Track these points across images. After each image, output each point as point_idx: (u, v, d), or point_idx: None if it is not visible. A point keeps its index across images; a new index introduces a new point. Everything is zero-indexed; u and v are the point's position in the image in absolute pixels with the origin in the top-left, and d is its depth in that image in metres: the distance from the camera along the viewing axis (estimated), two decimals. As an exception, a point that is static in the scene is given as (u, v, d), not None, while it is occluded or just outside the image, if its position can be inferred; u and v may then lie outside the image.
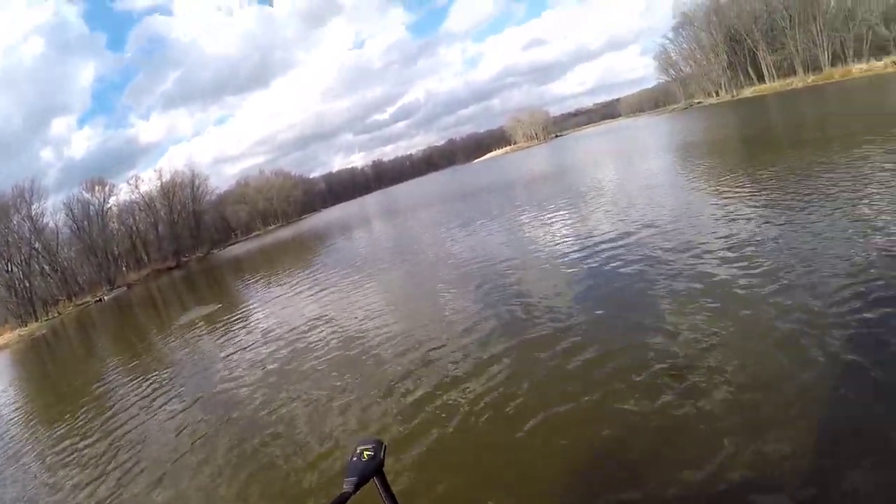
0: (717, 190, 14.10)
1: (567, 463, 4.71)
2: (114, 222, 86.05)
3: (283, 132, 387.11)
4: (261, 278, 27.87)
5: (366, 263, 20.53)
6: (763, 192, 12.30)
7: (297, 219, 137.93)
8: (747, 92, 76.78)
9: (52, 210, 75.33)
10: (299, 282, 20.84)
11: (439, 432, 5.87)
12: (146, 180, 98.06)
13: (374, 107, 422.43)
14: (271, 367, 10.40)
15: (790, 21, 68.08)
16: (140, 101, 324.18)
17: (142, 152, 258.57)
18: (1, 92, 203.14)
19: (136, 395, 11.86)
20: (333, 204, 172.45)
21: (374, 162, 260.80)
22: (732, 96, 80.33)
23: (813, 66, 65.92)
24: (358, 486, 1.67)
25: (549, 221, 16.62)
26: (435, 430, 5.95)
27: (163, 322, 24.40)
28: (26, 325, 55.48)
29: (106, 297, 62.77)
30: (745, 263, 7.98)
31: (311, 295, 16.73)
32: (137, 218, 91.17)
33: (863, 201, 9.42)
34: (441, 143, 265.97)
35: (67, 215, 77.35)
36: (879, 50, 57.05)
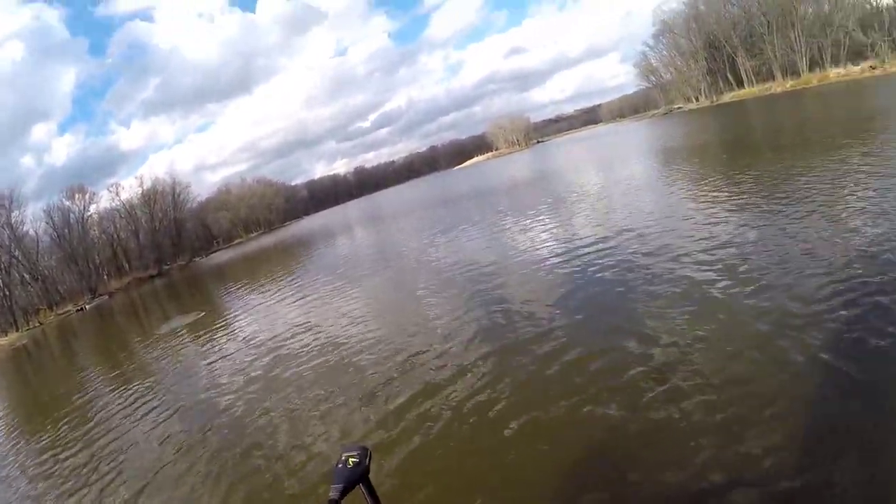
0: (697, 194, 14.24)
1: (549, 466, 4.73)
2: (94, 230, 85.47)
3: (266, 139, 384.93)
4: (243, 286, 27.75)
5: (348, 270, 20.54)
6: (742, 196, 12.41)
7: (280, 226, 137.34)
8: (727, 97, 77.39)
9: (32, 218, 74.83)
10: (282, 289, 20.76)
11: (422, 438, 5.88)
12: (127, 188, 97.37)
13: (357, 114, 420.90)
14: (254, 375, 10.36)
15: (768, 27, 68.69)
16: (121, 107, 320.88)
17: (123, 159, 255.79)
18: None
19: (118, 404, 11.76)
20: (316, 211, 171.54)
21: (356, 169, 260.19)
22: (712, 102, 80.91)
23: (791, 72, 66.50)
24: (344, 492, 1.68)
25: (530, 227, 16.68)
26: (417, 436, 5.95)
27: (145, 331, 24.21)
28: (7, 335, 54.91)
29: (87, 306, 62.26)
30: (724, 266, 8.06)
31: (294, 302, 16.69)
32: (118, 226, 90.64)
33: (840, 203, 9.57)
34: (423, 149, 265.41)
35: (48, 223, 76.74)
36: (856, 55, 57.60)
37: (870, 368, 4.62)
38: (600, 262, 10.36)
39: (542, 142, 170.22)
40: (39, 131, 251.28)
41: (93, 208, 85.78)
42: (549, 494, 4.45)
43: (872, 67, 50.55)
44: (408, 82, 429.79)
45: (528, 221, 17.82)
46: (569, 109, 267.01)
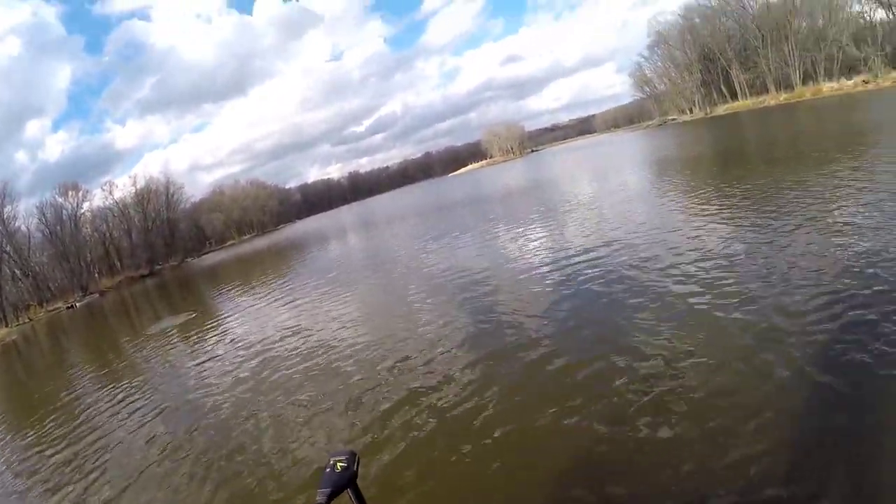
0: (687, 206, 14.31)
1: (533, 476, 4.75)
2: (87, 228, 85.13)
3: (260, 141, 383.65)
4: (235, 288, 27.72)
5: (340, 274, 20.56)
6: (732, 208, 12.48)
7: (273, 229, 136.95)
8: (721, 109, 77.68)
9: (25, 214, 74.48)
10: (274, 292, 20.76)
11: (407, 444, 5.90)
12: (120, 186, 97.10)
13: (352, 118, 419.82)
14: (243, 376, 10.36)
15: (763, 41, 69.06)
16: (116, 106, 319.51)
17: (117, 158, 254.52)
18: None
19: (106, 403, 11.76)
20: (309, 215, 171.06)
21: (350, 173, 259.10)
22: (706, 113, 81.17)
23: (785, 85, 66.83)
24: (331, 496, 1.68)
25: (521, 235, 16.73)
26: (402, 442, 5.98)
27: (135, 330, 24.16)
28: (-4, 331, 54.74)
29: (78, 304, 62.06)
30: (712, 278, 8.10)
31: (285, 305, 16.71)
32: (111, 224, 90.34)
33: (829, 217, 9.64)
34: (418, 155, 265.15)
35: (40, 219, 76.42)
36: (850, 70, 57.94)
37: (856, 382, 4.65)
38: (589, 272, 10.40)
39: (537, 150, 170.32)
40: (33, 127, 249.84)
41: (86, 206, 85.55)
42: (535, 500, 4.48)
43: (865, 82, 50.86)
44: (403, 88, 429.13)
45: (520, 230, 17.88)
46: (564, 118, 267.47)
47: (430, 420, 6.31)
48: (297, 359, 10.38)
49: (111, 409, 11.10)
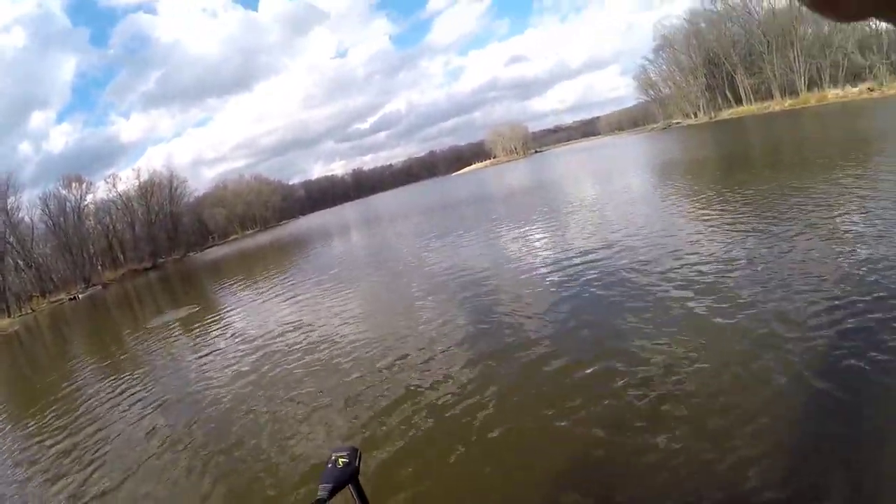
0: (691, 209, 14.30)
1: (529, 476, 4.77)
2: (90, 220, 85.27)
3: (264, 137, 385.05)
4: (237, 282, 27.77)
5: (343, 271, 20.62)
6: (736, 213, 12.47)
7: (276, 224, 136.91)
8: (725, 114, 77.54)
9: (28, 205, 74.59)
10: (276, 287, 20.80)
11: (405, 442, 5.93)
12: (124, 179, 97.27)
13: (356, 116, 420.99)
14: (243, 371, 10.40)
15: (768, 46, 68.98)
16: (121, 98, 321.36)
17: (121, 151, 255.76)
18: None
19: (106, 394, 11.81)
20: (312, 211, 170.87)
21: (354, 171, 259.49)
22: (710, 118, 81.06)
23: (790, 91, 66.70)
24: (333, 492, 1.68)
25: (524, 235, 16.78)
26: (401, 439, 6.00)
27: (137, 323, 24.21)
28: (-2, 321, 54.83)
29: (80, 296, 62.16)
30: (714, 282, 8.11)
31: (287, 300, 16.75)
32: (114, 217, 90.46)
33: (832, 224, 9.64)
34: (422, 154, 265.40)
35: (43, 211, 76.62)
36: (855, 77, 57.88)
37: (854, 389, 4.66)
38: (590, 274, 10.41)
39: (540, 151, 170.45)
40: (38, 118, 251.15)
41: (89, 198, 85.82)
42: (531, 501, 4.51)
43: (870, 89, 50.78)
44: (408, 86, 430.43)
45: (522, 230, 17.93)
46: (568, 120, 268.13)
47: (429, 418, 6.34)
48: (298, 354, 10.41)
49: (112, 401, 11.14)
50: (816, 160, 17.86)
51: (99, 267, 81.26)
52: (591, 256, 11.69)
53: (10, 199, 69.57)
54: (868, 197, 10.97)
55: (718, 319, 6.78)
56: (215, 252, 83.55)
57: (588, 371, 6.35)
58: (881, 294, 6.28)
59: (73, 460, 8.35)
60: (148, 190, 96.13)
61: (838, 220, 9.86)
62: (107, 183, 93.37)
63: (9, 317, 56.56)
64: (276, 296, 18.43)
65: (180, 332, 17.40)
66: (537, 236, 16.04)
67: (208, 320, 17.64)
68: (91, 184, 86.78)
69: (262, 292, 20.56)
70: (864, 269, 7.16)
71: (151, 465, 7.35)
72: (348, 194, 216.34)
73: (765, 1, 70.00)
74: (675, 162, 30.01)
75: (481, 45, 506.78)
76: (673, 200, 16.65)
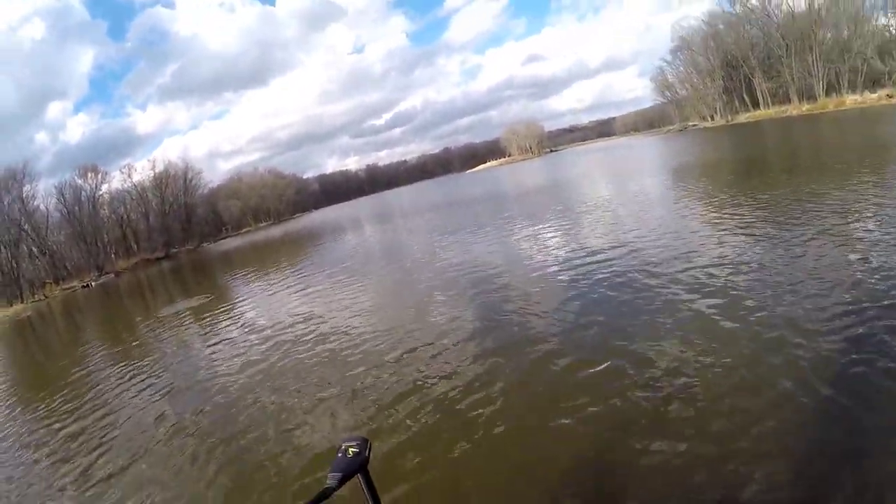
0: (706, 212, 14.24)
1: (532, 473, 4.77)
2: (105, 209, 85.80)
3: (279, 131, 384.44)
4: (250, 273, 27.88)
5: (355, 264, 20.65)
6: (750, 216, 12.38)
7: (289, 218, 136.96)
8: (742, 117, 76.92)
9: (44, 193, 75.42)
10: (288, 279, 20.88)
11: (410, 435, 5.96)
12: (139, 170, 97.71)
13: (371, 112, 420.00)
14: (253, 360, 10.45)
15: (786, 50, 68.39)
16: (138, 91, 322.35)
17: (137, 142, 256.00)
18: (0, 72, 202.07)
19: (116, 380, 11.91)
20: (326, 205, 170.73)
21: (368, 166, 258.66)
22: (727, 121, 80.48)
23: (808, 95, 66.11)
24: (342, 481, 1.68)
25: (537, 234, 16.76)
26: (406, 432, 6.03)
27: (149, 311, 24.31)
28: (12, 306, 55.34)
29: (93, 283, 62.64)
30: (726, 285, 8.06)
31: (299, 292, 16.82)
32: (129, 207, 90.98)
33: (848, 231, 9.52)
34: (436, 151, 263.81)
35: (59, 199, 77.34)
36: (874, 83, 57.38)
37: (861, 395, 4.63)
38: (601, 273, 10.38)
39: (556, 150, 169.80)
40: (55, 109, 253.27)
41: (104, 188, 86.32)
42: (542, 495, 4.47)
43: (889, 96, 50.28)
44: (424, 83, 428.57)
45: (535, 228, 17.92)
46: (584, 120, 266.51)
47: (435, 412, 6.36)
48: (308, 345, 10.45)
49: (121, 387, 11.24)
50: (834, 166, 17.71)
51: (112, 256, 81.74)
52: (602, 256, 11.66)
53: (26, 188, 70.30)
54: (884, 205, 10.83)
55: (727, 322, 6.74)
56: (229, 243, 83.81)
57: (595, 370, 6.34)
58: (892, 302, 6.22)
59: (81, 444, 8.44)
60: (163, 181, 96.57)
61: (853, 226, 9.75)
62: (122, 173, 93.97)
63: (22, 302, 57.11)
64: (288, 287, 18.50)
65: (191, 321, 17.51)
66: (550, 235, 16.02)
67: (219, 310, 17.73)
68: (106, 174, 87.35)
69: (274, 284, 20.64)
70: (876, 276, 7.09)
71: (158, 451, 7.41)
72: (362, 189, 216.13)
73: (784, 4, 69.41)
74: (691, 164, 29.80)
75: (498, 44, 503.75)
76: (687, 202, 16.56)
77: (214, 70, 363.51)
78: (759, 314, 6.75)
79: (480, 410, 6.08)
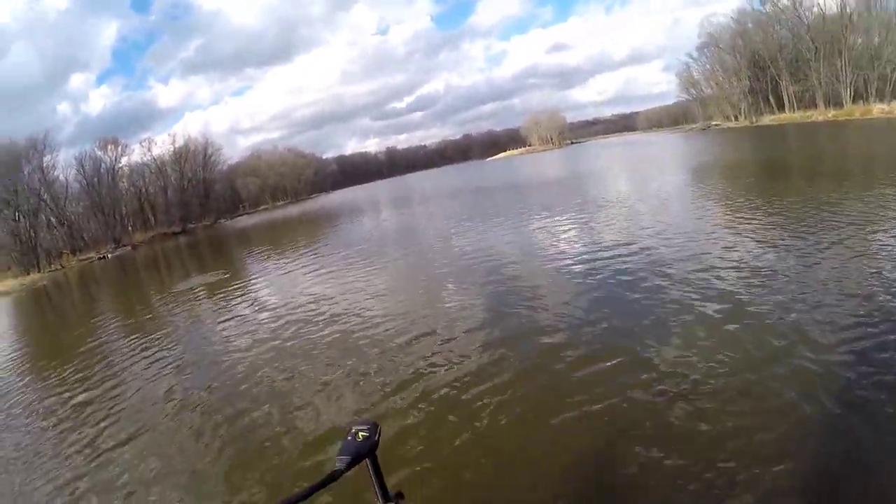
0: (724, 214, 14.16)
1: (533, 467, 4.77)
2: (124, 182, 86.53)
3: (300, 110, 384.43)
4: (266, 252, 28.05)
5: (371, 247, 20.75)
6: (768, 221, 12.31)
7: (307, 197, 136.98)
8: (766, 119, 76.00)
9: (64, 164, 75.91)
10: (303, 258, 21.09)
11: (414, 420, 6.00)
12: (159, 144, 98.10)
13: (393, 94, 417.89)
14: (264, 339, 10.52)
15: (815, 53, 67.44)
16: (160, 64, 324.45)
17: (158, 115, 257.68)
18: (23, 43, 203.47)
19: (128, 352, 12.05)
20: (344, 186, 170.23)
21: (388, 149, 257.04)
22: (751, 122, 79.70)
23: (834, 101, 65.31)
24: (351, 464, 1.68)
25: (554, 226, 16.75)
26: (410, 417, 6.07)
27: (164, 285, 24.56)
28: (28, 275, 55.86)
29: (110, 255, 63.20)
30: (750, 290, 7.97)
31: (314, 273, 16.93)
32: (147, 180, 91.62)
33: (866, 243, 9.40)
34: (457, 137, 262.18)
35: (78, 170, 78.10)
36: (903, 92, 56.73)
37: (866, 410, 4.58)
38: (614, 271, 10.33)
39: (577, 143, 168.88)
40: (78, 80, 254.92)
41: (124, 160, 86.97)
42: (542, 489, 4.48)
43: (918, 108, 49.74)
44: (447, 67, 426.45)
45: (552, 220, 17.88)
46: (607, 113, 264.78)
47: (441, 400, 6.38)
48: (319, 326, 10.51)
49: (132, 359, 11.36)
50: (856, 176, 17.55)
51: (129, 228, 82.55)
52: (615, 253, 11.62)
53: (46, 158, 70.92)
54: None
55: (735, 328, 6.70)
56: (245, 221, 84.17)
57: (600, 368, 6.33)
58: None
59: (90, 414, 8.55)
60: (182, 155, 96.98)
61: (870, 239, 9.62)
62: (142, 146, 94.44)
63: (39, 272, 57.68)
64: (302, 267, 18.65)
65: (205, 296, 17.63)
66: (566, 228, 15.99)
67: (234, 287, 17.88)
68: (126, 146, 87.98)
69: (289, 263, 20.83)
70: (890, 291, 6.97)
71: (164, 425, 7.49)
72: (381, 172, 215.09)
73: (815, 6, 68.50)
74: (711, 164, 29.58)
75: (523, 31, 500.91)
76: (704, 203, 16.46)
77: (238, 46, 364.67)
78: (768, 321, 6.71)
79: (485, 401, 6.09)
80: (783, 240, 10.43)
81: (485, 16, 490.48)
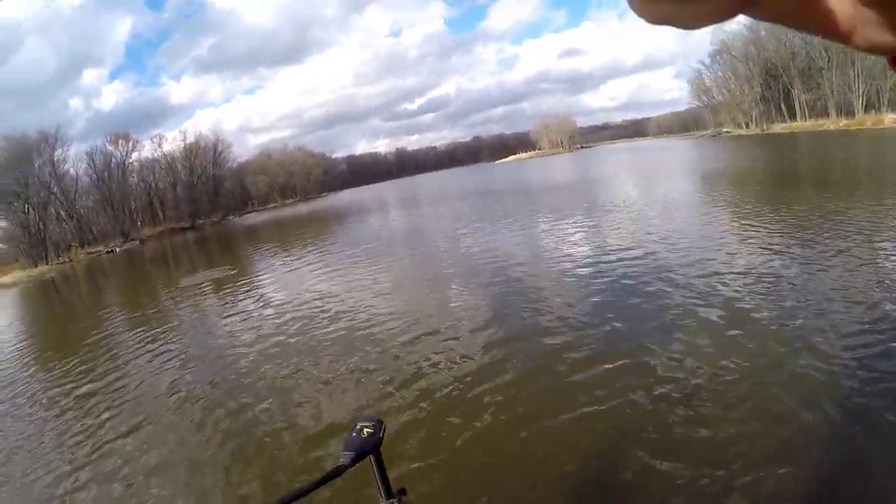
0: (731, 221, 14.10)
1: (534, 468, 4.76)
2: (133, 177, 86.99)
3: (311, 110, 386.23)
4: (273, 249, 28.14)
5: (379, 246, 20.79)
6: (775, 229, 12.24)
7: (317, 196, 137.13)
8: (777, 127, 75.85)
9: (75, 158, 76.60)
10: (311, 256, 21.08)
11: (415, 418, 6.01)
12: (170, 140, 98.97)
13: (405, 96, 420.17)
14: (269, 335, 10.53)
15: (828, 62, 67.37)
16: (173, 62, 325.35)
17: (170, 112, 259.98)
18: (38, 38, 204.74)
19: (133, 345, 12.09)
20: (353, 186, 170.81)
21: (398, 149, 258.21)
22: (762, 130, 79.54)
23: (846, 111, 65.19)
24: (355, 460, 1.70)
25: (562, 230, 16.69)
26: (412, 415, 6.08)
27: (171, 279, 24.65)
28: (37, 266, 56.24)
29: (118, 249, 63.62)
30: (757, 297, 7.93)
31: (321, 270, 16.97)
32: (157, 176, 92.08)
33: (874, 253, 9.33)
34: (467, 139, 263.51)
35: (89, 165, 78.79)
36: (915, 103, 56.52)
37: (867, 419, 4.56)
38: (619, 275, 10.32)
39: (587, 147, 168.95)
40: (90, 76, 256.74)
41: (134, 156, 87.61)
42: (542, 488, 4.47)
43: (930, 118, 49.50)
44: (459, 70, 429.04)
45: (560, 224, 17.83)
46: (617, 118, 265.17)
47: (443, 398, 6.38)
48: (324, 323, 10.53)
49: (136, 352, 11.38)
50: (866, 185, 17.46)
51: (138, 223, 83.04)
52: (621, 257, 11.60)
53: (57, 152, 71.59)
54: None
55: (738, 334, 6.66)
56: (254, 218, 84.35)
57: (605, 371, 6.30)
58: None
59: (93, 405, 8.57)
60: (193, 152, 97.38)
61: (877, 248, 9.57)
62: (153, 142, 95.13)
63: (47, 264, 58.03)
64: (309, 265, 18.68)
65: (212, 291, 17.69)
66: (574, 232, 15.94)
67: (240, 283, 17.92)
68: (137, 142, 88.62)
69: (296, 260, 20.86)
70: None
71: (166, 418, 7.51)
72: (390, 172, 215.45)
73: (829, 15, 68.17)
74: (721, 171, 29.49)
75: (536, 35, 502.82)
76: (723, 210, 16.33)
77: (251, 45, 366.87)
78: (772, 328, 6.69)
79: (488, 400, 6.08)
80: (789, 247, 10.38)
81: (498, 20, 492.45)
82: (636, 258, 11.29)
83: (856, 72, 62.90)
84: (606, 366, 6.39)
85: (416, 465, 5.07)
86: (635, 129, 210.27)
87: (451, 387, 6.61)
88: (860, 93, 62.90)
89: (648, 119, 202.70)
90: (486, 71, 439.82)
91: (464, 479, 4.81)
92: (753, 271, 9.09)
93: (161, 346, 11.50)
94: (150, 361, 10.46)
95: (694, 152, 54.53)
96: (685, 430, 4.83)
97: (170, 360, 10.34)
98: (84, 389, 9.51)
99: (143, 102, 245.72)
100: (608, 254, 12.11)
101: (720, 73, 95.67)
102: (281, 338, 10.13)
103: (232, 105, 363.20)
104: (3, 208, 63.31)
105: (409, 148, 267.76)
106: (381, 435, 1.80)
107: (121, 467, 6.23)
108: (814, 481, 4.01)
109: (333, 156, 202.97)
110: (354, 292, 12.72)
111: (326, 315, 11.03)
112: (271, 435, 6.27)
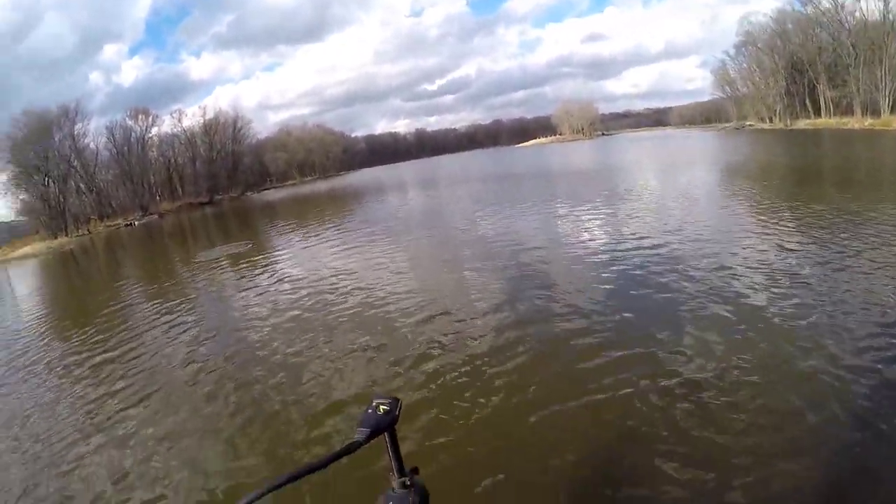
0: (751, 217, 14.00)
1: (542, 455, 4.77)
2: (153, 152, 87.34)
3: (331, 88, 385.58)
4: (291, 225, 28.32)
5: (397, 226, 20.89)
6: (794, 227, 12.03)
7: (335, 174, 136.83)
8: (801, 123, 74.77)
9: (95, 132, 76.82)
10: (328, 233, 21.22)
11: (425, 397, 6.05)
12: (189, 115, 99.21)
13: (425, 76, 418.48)
14: (284, 310, 10.62)
15: (855, 59, 66.32)
16: (193, 38, 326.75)
17: (189, 88, 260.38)
18: (58, 12, 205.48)
19: (150, 317, 12.22)
20: (372, 165, 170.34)
21: (417, 130, 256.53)
22: (786, 125, 78.51)
23: (872, 110, 64.17)
24: (370, 437, 1.68)
25: (580, 217, 16.62)
26: (421, 394, 6.14)
27: (189, 254, 24.78)
28: (56, 238, 56.77)
29: (137, 223, 64.08)
30: (774, 295, 7.84)
31: (338, 248, 17.04)
32: (177, 151, 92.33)
33: (893, 256, 9.08)
34: (487, 122, 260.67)
35: (109, 139, 79.09)
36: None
37: (875, 426, 4.50)
38: (649, 265, 10.18)
39: (607, 134, 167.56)
40: (110, 51, 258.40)
41: (154, 131, 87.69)
42: (552, 472, 4.51)
43: (957, 121, 48.74)
44: (481, 52, 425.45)
45: (579, 211, 17.74)
46: (639, 106, 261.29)
47: (455, 378, 6.42)
48: (340, 299, 10.62)
49: (153, 323, 11.54)
50: (890, 187, 17.21)
51: (157, 197, 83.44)
52: (637, 247, 11.56)
53: (77, 126, 71.78)
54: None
55: (751, 332, 6.61)
56: (272, 194, 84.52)
57: (616, 360, 6.31)
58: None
59: (108, 374, 8.71)
60: (212, 127, 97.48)
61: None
62: (172, 117, 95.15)
63: (66, 236, 58.56)
64: (326, 241, 18.85)
65: (228, 266, 17.82)
66: (591, 219, 15.92)
67: (257, 258, 18.06)
68: (157, 117, 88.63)
69: (313, 237, 21.00)
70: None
71: (180, 389, 7.61)
72: (409, 152, 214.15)
73: (857, 11, 67.08)
74: (742, 165, 29.27)
75: (559, 19, 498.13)
76: (744, 205, 16.12)
77: (271, 22, 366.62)
78: (784, 326, 6.65)
79: (498, 383, 6.12)
80: (807, 246, 10.28)
81: (520, 2, 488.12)
82: (651, 248, 11.27)
83: (883, 70, 61.84)
84: (616, 354, 6.40)
85: (426, 443, 5.12)
86: (657, 118, 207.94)
87: (462, 368, 6.64)
88: (887, 92, 61.84)
89: (671, 108, 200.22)
90: (507, 53, 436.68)
91: (474, 461, 4.83)
92: (768, 268, 9.02)
93: (177, 317, 11.62)
94: (166, 333, 10.58)
95: (717, 144, 53.94)
96: (692, 424, 4.83)
97: (185, 331, 10.44)
98: (99, 358, 9.64)
99: (162, 78, 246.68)
100: (623, 242, 12.10)
101: (745, 65, 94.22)
102: (296, 312, 10.21)
103: (251, 82, 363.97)
104: (24, 180, 63.81)
105: (429, 129, 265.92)
106: (396, 413, 1.78)
107: (132, 434, 6.33)
108: (822, 483, 4.00)
109: (353, 134, 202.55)
110: (370, 270, 12.79)
111: (342, 292, 11.10)
112: (282, 410, 6.33)
